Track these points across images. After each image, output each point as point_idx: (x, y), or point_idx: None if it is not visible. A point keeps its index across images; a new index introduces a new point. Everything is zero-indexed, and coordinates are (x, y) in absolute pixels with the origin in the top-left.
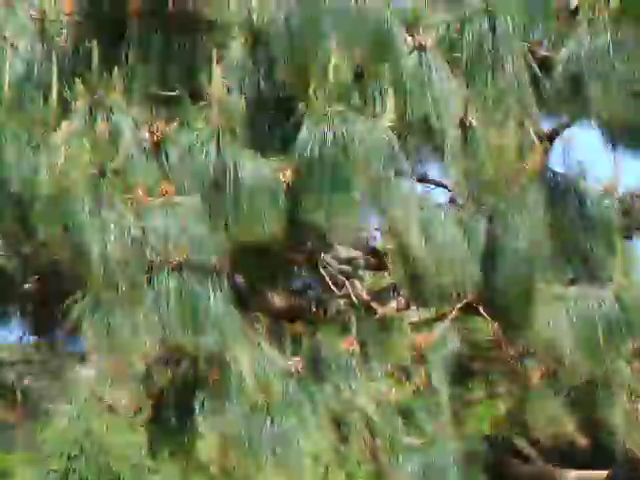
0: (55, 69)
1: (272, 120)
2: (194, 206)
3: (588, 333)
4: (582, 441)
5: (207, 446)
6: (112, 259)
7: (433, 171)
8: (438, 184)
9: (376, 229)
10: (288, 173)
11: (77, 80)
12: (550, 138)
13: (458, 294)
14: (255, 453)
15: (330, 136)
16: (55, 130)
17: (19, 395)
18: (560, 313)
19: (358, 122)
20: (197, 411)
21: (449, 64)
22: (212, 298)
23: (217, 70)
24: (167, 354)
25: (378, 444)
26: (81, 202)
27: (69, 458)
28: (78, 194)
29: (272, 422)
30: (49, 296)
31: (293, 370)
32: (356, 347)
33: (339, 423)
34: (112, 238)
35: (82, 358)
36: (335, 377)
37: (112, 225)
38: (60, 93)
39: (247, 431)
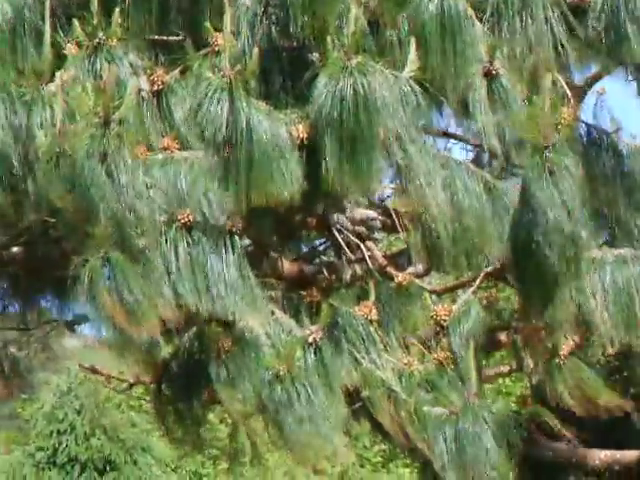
0: (48, 12)
1: (286, 72)
2: (201, 162)
3: (626, 300)
4: (627, 407)
5: (229, 415)
6: (123, 217)
7: (457, 126)
8: (462, 139)
9: (393, 188)
10: (301, 128)
11: (75, 23)
12: (583, 89)
13: (482, 260)
14: (278, 424)
15: (349, 90)
16: (49, 81)
17: (6, 365)
18: (595, 278)
19: (378, 74)
20: (212, 379)
21: (474, 9)
22: (224, 260)
23: (228, 16)
24: (176, 319)
25: (403, 416)
26: (86, 156)
27: (59, 433)
28: (82, 147)
29: (295, 390)
30: (37, 262)
31: (311, 340)
32: (374, 314)
33: (358, 395)
34: (123, 194)
35: (71, 327)
36: (354, 347)
37: (122, 179)
38: (54, 39)
39: (269, 401)
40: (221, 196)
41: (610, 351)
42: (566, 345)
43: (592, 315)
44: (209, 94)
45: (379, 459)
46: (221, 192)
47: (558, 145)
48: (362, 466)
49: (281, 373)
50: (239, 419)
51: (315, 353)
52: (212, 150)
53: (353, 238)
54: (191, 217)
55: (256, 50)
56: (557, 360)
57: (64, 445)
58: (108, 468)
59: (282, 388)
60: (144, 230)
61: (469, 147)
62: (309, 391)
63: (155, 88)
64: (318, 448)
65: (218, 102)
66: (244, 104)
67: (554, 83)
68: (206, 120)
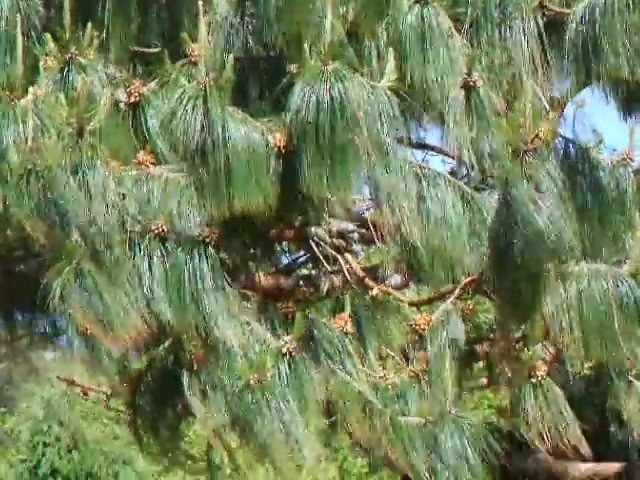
0: (19, 25)
1: (263, 81)
2: (176, 175)
3: (602, 314)
4: (586, 450)
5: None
6: (94, 227)
7: (434, 136)
8: (440, 151)
9: (370, 199)
10: (279, 136)
11: (48, 37)
12: (562, 102)
13: (460, 272)
14: (250, 436)
15: (325, 95)
16: (22, 95)
17: None
18: (571, 292)
19: (356, 81)
20: (185, 392)
21: (453, 20)
22: (199, 270)
23: (203, 25)
24: (150, 331)
25: (379, 428)
26: (59, 167)
27: (44, 445)
28: (55, 158)
29: (267, 404)
30: (15, 272)
31: (284, 351)
32: (350, 326)
33: (334, 406)
34: (94, 205)
35: (50, 339)
36: (329, 358)
37: (94, 190)
38: (28, 51)
39: (241, 413)
40: (196, 205)
41: (586, 366)
42: (543, 364)
43: (566, 329)
44: (183, 102)
45: (362, 471)
46: (196, 201)
47: (539, 150)
48: (343, 479)
49: (252, 382)
50: (211, 432)
51: (289, 364)
52: (186, 159)
53: (331, 250)
54: (165, 227)
55: (231, 57)
56: (533, 380)
57: (47, 457)
58: None
59: (252, 397)
60: (116, 241)
61: (448, 159)
62: (279, 401)
63: (132, 100)
64: (288, 457)
65: (193, 110)
66: (219, 111)
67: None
68: (180, 129)
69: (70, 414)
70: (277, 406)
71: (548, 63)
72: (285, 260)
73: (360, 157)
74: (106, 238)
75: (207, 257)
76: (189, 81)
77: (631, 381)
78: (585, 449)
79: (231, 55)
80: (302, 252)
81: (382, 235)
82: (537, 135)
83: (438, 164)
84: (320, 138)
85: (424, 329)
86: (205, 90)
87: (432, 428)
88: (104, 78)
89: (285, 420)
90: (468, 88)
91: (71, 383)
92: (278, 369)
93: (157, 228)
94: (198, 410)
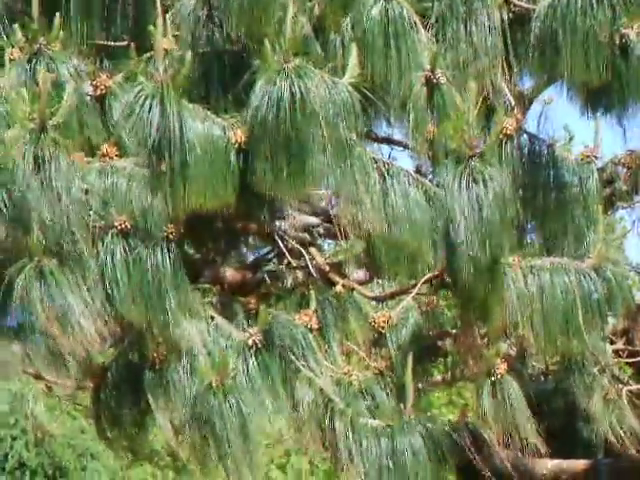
0: None
1: (226, 75)
2: (139, 169)
3: (564, 308)
4: (542, 449)
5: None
6: (55, 224)
7: (401, 132)
8: (406, 146)
9: (333, 194)
10: (239, 133)
11: (16, 28)
12: (528, 99)
13: (422, 267)
14: (210, 436)
15: (285, 92)
16: None
17: None
18: (533, 286)
19: (317, 78)
20: (146, 391)
21: (419, 15)
22: (161, 267)
23: (161, 20)
24: (112, 328)
25: (338, 428)
26: (20, 162)
27: (11, 439)
28: (17, 154)
29: (227, 403)
30: None
31: (250, 343)
32: (315, 322)
33: (296, 404)
34: (55, 201)
35: (16, 333)
36: (292, 354)
37: (55, 186)
38: None
39: (201, 413)
40: (157, 202)
41: (550, 361)
42: (503, 362)
43: (527, 323)
44: (140, 100)
45: (331, 467)
46: (156, 198)
47: (486, 155)
48: (312, 473)
49: (214, 384)
50: (171, 431)
51: (256, 355)
52: (144, 156)
53: (295, 245)
54: (128, 224)
55: (189, 54)
56: (492, 378)
57: (14, 451)
58: (58, 474)
59: (214, 399)
60: (79, 237)
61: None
62: (241, 403)
63: (98, 93)
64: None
65: (150, 108)
66: (175, 109)
67: (498, 91)
68: (137, 127)
69: (37, 407)
70: (237, 408)
71: (515, 59)
72: (252, 255)
73: (320, 154)
74: (69, 235)
75: (169, 253)
76: (149, 77)
77: (595, 375)
78: (543, 447)
79: (189, 52)
80: (268, 247)
81: (345, 230)
82: (492, 134)
83: (406, 159)
84: (279, 134)
85: (383, 327)
86: (162, 88)
87: (390, 432)
88: (72, 70)
89: (245, 421)
90: (431, 85)
91: (37, 378)
92: (245, 361)
93: (120, 224)
94: (158, 409)
